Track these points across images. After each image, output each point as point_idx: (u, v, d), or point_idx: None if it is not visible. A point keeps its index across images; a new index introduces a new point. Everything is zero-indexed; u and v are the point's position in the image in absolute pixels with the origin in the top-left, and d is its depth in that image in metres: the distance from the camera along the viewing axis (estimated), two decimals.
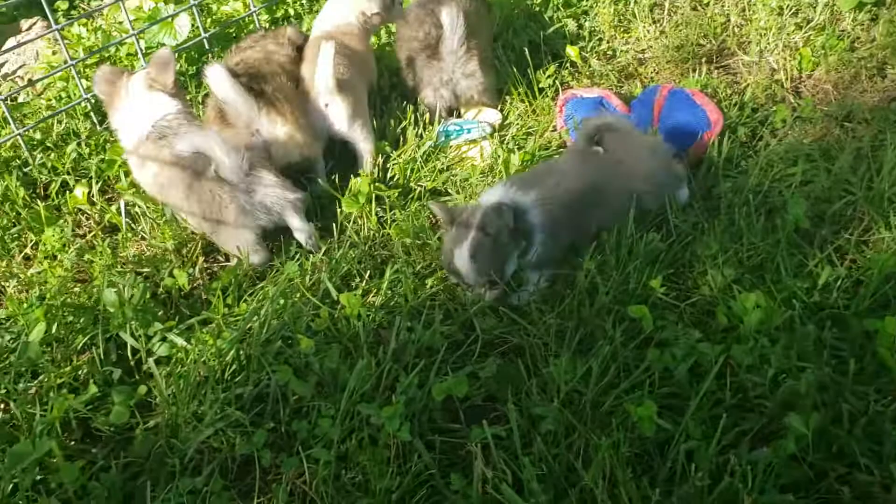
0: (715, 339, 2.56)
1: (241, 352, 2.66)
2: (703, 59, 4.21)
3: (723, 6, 4.64)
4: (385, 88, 4.14)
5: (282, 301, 2.83)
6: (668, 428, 2.28)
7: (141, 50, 4.09)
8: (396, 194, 3.37)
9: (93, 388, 2.62)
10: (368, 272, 3.03)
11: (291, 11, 4.87)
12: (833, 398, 2.34)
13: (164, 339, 2.77)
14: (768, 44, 4.25)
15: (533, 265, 2.87)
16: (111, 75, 3.38)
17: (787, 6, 4.43)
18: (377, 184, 3.36)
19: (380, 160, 3.56)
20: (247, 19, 4.57)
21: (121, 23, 4.80)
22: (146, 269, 3.15)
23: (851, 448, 2.21)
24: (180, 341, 2.73)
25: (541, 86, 4.01)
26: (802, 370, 2.35)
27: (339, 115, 3.49)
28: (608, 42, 4.49)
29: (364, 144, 3.60)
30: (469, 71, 3.80)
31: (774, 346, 2.42)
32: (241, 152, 3.02)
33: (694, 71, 4.12)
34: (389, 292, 2.93)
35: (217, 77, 3.16)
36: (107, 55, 4.48)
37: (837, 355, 2.51)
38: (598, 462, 2.18)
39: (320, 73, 3.39)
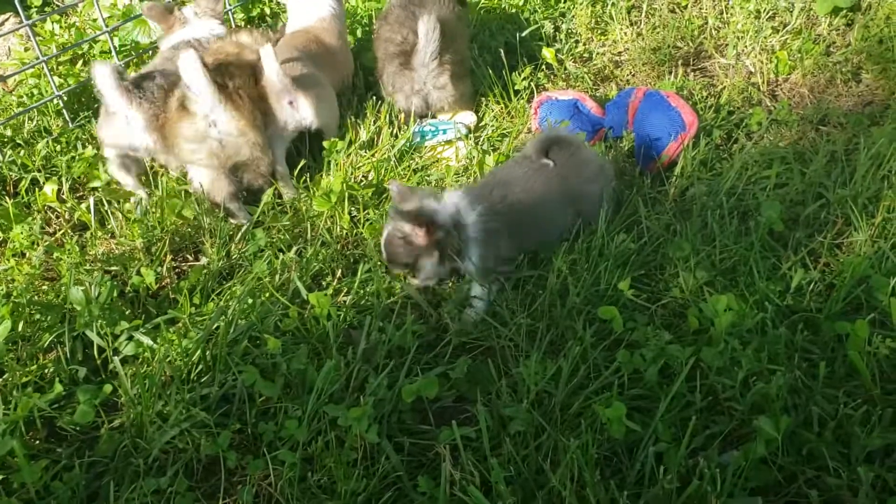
0: (685, 342, 2.56)
1: (208, 352, 2.63)
2: (680, 62, 4.21)
3: (700, 9, 4.65)
4: (360, 87, 4.11)
5: (250, 300, 2.80)
6: (637, 430, 2.26)
7: (114, 47, 4.05)
8: (370, 193, 3.34)
9: (58, 387, 2.58)
10: (340, 271, 3.00)
11: (267, 10, 4.84)
12: (803, 401, 2.34)
13: (130, 338, 2.74)
14: (745, 47, 4.26)
15: (477, 278, 2.84)
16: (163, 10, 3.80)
17: (765, 10, 4.45)
18: (350, 182, 3.33)
19: (353, 158, 3.53)
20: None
21: (94, 20, 4.76)
22: (114, 268, 3.11)
23: (821, 451, 2.21)
24: (147, 340, 2.70)
25: (516, 88, 4.00)
26: (773, 373, 2.35)
27: (305, 109, 3.46)
28: (584, 44, 4.49)
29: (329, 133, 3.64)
30: (440, 84, 3.76)
31: (745, 349, 2.41)
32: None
33: (670, 73, 4.12)
34: (361, 291, 2.91)
35: (188, 62, 3.13)
36: (80, 52, 4.44)
37: (808, 358, 2.51)
38: (566, 464, 2.16)
39: (269, 75, 3.38)
